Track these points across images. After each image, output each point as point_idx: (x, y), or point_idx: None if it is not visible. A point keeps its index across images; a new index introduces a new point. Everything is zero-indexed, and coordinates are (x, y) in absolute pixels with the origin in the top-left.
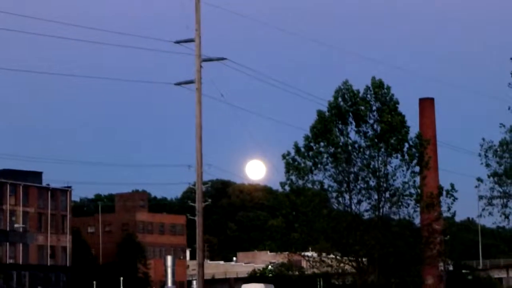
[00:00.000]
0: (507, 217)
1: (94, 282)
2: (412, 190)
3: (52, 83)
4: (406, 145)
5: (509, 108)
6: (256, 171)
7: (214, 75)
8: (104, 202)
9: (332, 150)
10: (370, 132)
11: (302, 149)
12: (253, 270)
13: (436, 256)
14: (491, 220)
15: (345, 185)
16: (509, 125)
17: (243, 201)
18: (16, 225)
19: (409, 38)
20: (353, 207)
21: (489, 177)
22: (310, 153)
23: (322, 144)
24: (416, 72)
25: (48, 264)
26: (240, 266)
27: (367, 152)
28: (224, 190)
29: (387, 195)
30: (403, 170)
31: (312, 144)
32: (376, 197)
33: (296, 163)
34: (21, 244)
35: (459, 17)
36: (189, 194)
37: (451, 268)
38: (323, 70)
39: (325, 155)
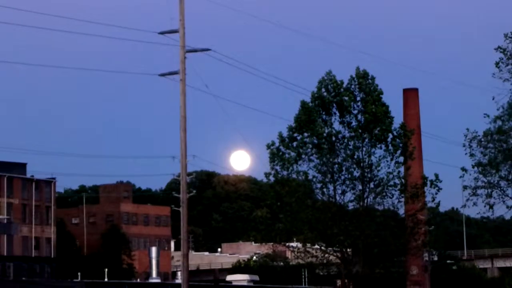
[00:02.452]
0: (491, 207)
1: (79, 273)
2: (397, 181)
3: (36, 74)
4: (390, 135)
5: (493, 98)
6: (241, 162)
7: (198, 66)
8: (88, 193)
9: (316, 140)
10: (354, 123)
11: (287, 140)
12: (237, 261)
13: (420, 247)
14: (475, 210)
15: (329, 175)
16: (493, 115)
17: (227, 192)
18: (0, 217)
19: (394, 28)
20: (338, 197)
21: (473, 167)
22: (294, 143)
23: (306, 134)
24: (400, 62)
25: (33, 255)
26: (224, 257)
27: (351, 143)
28: (209, 181)
29: (372, 185)
30: (387, 161)
31: (296, 134)
32: (360, 187)
33: (281, 153)
34: (5, 236)
35: (444, 6)
36: (174, 185)
37: (435, 258)
38: (308, 61)
39: (309, 146)
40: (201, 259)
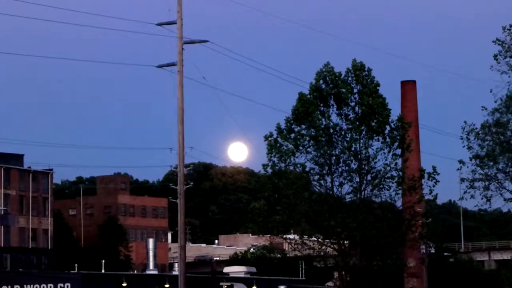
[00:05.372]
0: (488, 200)
1: (76, 265)
2: (394, 173)
3: (33, 66)
4: (388, 127)
5: (491, 91)
6: (238, 153)
7: (196, 58)
8: (85, 185)
9: (313, 132)
10: (352, 115)
11: (284, 131)
12: (234, 253)
13: (417, 239)
14: (473, 202)
15: (326, 167)
16: (491, 108)
17: (225, 184)
18: None
19: (393, 20)
20: (335, 189)
21: (471, 159)
22: (292, 135)
23: (303, 126)
24: (398, 54)
25: (30, 246)
26: (222, 249)
27: (349, 135)
28: (206, 172)
29: (369, 177)
30: (384, 153)
31: (293, 126)
32: (357, 179)
33: (278, 145)
34: (2, 227)
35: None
36: (171, 176)
37: (432, 250)
38: (306, 53)
39: (307, 138)
40: (198, 251)
